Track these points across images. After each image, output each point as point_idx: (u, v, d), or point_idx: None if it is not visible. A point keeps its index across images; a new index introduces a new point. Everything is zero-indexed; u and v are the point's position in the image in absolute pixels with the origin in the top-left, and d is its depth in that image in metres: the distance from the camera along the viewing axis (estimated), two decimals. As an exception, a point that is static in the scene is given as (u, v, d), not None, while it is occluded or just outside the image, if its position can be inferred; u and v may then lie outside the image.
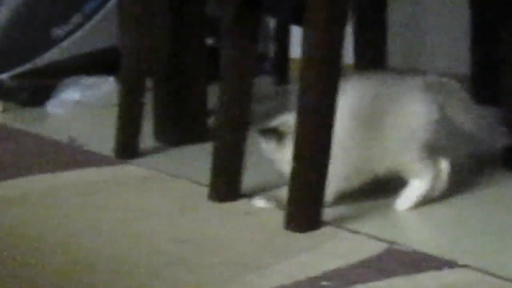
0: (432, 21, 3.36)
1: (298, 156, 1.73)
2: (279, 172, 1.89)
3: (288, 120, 1.86)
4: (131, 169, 2.29)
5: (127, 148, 2.42)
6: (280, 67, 3.56)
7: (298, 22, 1.80)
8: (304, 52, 1.72)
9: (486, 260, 1.55)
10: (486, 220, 1.84)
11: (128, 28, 2.48)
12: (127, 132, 2.43)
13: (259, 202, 1.92)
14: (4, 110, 3.13)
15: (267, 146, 1.90)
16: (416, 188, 1.87)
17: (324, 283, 1.47)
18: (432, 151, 1.88)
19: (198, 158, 2.28)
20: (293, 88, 2.66)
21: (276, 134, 1.89)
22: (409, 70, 2.11)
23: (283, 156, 1.86)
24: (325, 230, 1.74)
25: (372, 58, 2.53)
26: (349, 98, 1.82)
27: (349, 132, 1.82)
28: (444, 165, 1.90)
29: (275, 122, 1.92)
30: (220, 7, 3.05)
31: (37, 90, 3.24)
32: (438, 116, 1.87)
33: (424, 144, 1.87)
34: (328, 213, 1.78)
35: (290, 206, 1.75)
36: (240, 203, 1.95)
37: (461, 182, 2.02)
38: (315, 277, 1.50)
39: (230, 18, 1.95)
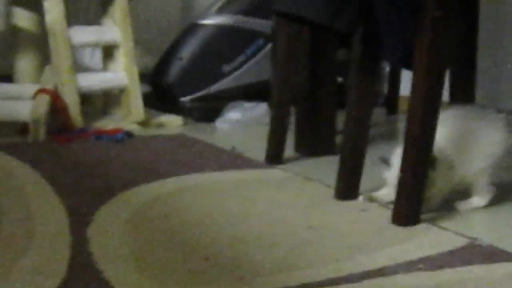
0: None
1: (404, 170, 1.72)
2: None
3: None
4: (276, 172, 2.30)
5: (274, 156, 2.44)
6: (391, 101, 3.53)
7: (408, 67, 1.78)
8: (412, 90, 1.72)
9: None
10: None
11: (278, 67, 2.50)
12: (275, 144, 2.45)
13: (362, 200, 1.92)
14: (185, 124, 3.18)
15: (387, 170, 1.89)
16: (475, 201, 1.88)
17: (420, 265, 1.46)
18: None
19: (327, 166, 2.27)
20: (401, 118, 2.64)
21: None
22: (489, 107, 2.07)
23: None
24: (421, 226, 1.72)
25: (464, 96, 2.49)
26: (446, 127, 1.81)
27: (444, 152, 1.80)
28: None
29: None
30: (348, 54, 3.06)
31: (209, 110, 3.29)
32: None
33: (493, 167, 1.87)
34: (423, 213, 1.76)
35: (396, 206, 1.75)
36: (357, 202, 1.94)
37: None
38: (412, 261, 1.49)
39: (356, 63, 1.95)
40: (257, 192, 2.06)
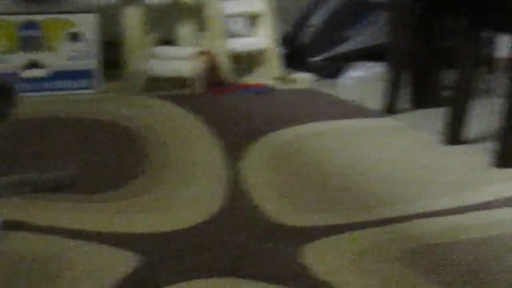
0: None
1: (507, 118, 1.67)
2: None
3: None
4: (391, 121, 2.28)
5: (389, 108, 2.40)
6: (489, 62, 3.39)
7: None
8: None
9: None
10: None
11: (393, 33, 2.45)
12: (390, 97, 2.41)
13: None
14: (314, 80, 3.17)
15: None
16: None
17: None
18: None
19: (434, 117, 2.23)
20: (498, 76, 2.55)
21: None
22: None
23: None
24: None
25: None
26: None
27: None
28: None
29: None
30: (455, 21, 2.96)
31: (334, 69, 3.26)
32: None
33: None
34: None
35: (497, 150, 1.70)
36: (461, 147, 1.90)
37: None
38: (510, 197, 1.45)
39: (463, 30, 1.89)
40: (376, 137, 2.05)
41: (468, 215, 1.35)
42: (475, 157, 1.79)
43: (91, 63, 2.78)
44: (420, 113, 2.42)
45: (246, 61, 3.34)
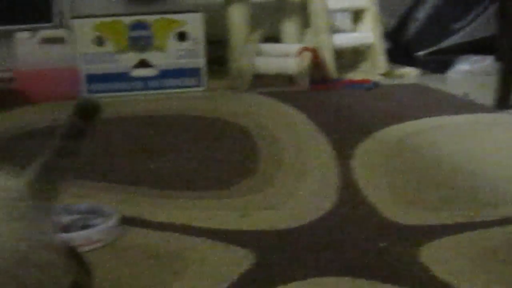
0: None
1: None
2: None
3: None
4: (505, 116, 2.20)
5: (502, 102, 2.32)
6: None
7: None
8: None
9: None
10: None
11: (503, 24, 2.36)
12: (503, 91, 2.33)
13: None
14: (421, 75, 3.11)
15: None
16: None
17: None
18: None
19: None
20: None
21: None
22: None
23: None
24: None
25: None
26: None
27: None
28: None
29: None
30: None
31: (441, 63, 3.19)
32: None
33: None
34: None
35: None
36: None
37: None
38: None
39: None
40: (488, 132, 1.99)
41: None
42: None
43: (198, 61, 2.83)
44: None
45: (351, 57, 3.31)
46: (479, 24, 3.30)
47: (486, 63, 3.06)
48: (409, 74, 3.11)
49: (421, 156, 1.74)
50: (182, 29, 2.81)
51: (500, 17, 3.07)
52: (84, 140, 0.78)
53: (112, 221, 1.27)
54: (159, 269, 1.11)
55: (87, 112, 0.77)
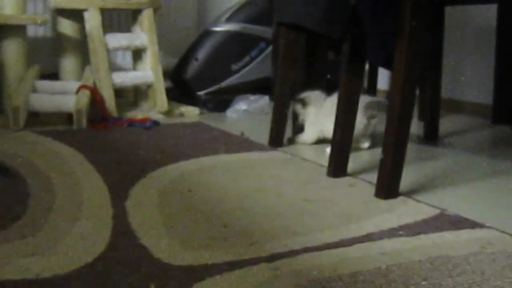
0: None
1: (386, 151, 1.72)
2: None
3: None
4: (278, 154, 2.30)
5: (276, 141, 2.44)
6: (371, 94, 3.52)
7: (389, 67, 1.78)
8: (392, 86, 1.72)
9: (506, 223, 1.51)
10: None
11: (279, 66, 2.49)
12: (276, 130, 2.45)
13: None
14: (201, 113, 3.17)
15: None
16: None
17: (400, 232, 1.46)
18: None
19: (320, 149, 2.27)
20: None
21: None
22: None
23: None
24: (400, 199, 1.73)
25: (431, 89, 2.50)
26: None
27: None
28: None
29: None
30: (336, 55, 3.05)
31: (221, 102, 3.28)
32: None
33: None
34: (402, 188, 1.76)
35: (378, 182, 1.75)
36: (346, 179, 1.94)
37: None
38: (393, 228, 1.49)
39: (346, 63, 1.94)
40: (263, 170, 2.06)
41: (353, 248, 1.36)
42: (359, 189, 1.83)
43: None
44: (307, 146, 2.47)
45: (132, 95, 3.30)
46: (256, 66, 3.45)
47: (262, 102, 3.20)
48: (190, 113, 3.16)
49: (197, 195, 1.75)
50: None
51: (273, 59, 3.25)
52: None
53: None
54: None
55: None
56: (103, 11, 3.02)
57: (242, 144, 2.45)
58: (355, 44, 1.90)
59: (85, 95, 2.79)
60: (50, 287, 1.17)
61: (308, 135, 2.49)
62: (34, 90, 2.84)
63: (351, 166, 2.00)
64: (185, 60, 3.45)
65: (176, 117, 3.08)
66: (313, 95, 2.50)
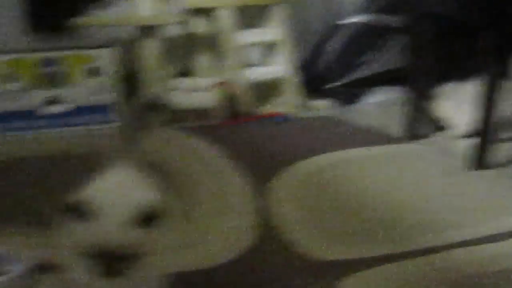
0: None
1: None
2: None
3: None
4: (414, 147, 2.26)
5: (412, 133, 2.39)
6: None
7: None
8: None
9: None
10: None
11: (414, 56, 2.43)
12: (412, 123, 2.40)
13: None
14: (332, 107, 3.15)
15: None
16: None
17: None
18: None
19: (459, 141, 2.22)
20: None
21: None
22: None
23: None
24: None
25: None
26: None
27: None
28: None
29: None
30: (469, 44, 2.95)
31: (352, 95, 3.25)
32: None
33: None
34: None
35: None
36: (489, 172, 1.87)
37: None
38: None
39: (489, 53, 1.87)
40: (401, 163, 2.03)
41: (509, 243, 1.32)
42: (503, 183, 1.76)
43: (111, 97, 2.78)
44: (443, 138, 2.40)
45: (265, 91, 3.33)
46: (388, 57, 3.39)
47: (395, 94, 3.14)
48: (321, 106, 3.15)
49: (337, 189, 1.75)
50: (93, 64, 2.75)
51: (408, 49, 3.18)
52: None
53: (20, 270, 1.20)
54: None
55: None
56: (236, 8, 3.07)
57: (377, 137, 2.42)
58: (501, 34, 1.82)
59: (221, 91, 2.85)
60: (197, 279, 1.21)
61: (447, 127, 2.41)
62: (173, 87, 2.93)
63: (494, 157, 1.93)
64: (315, 54, 3.45)
65: (308, 111, 3.08)
66: (451, 87, 2.42)
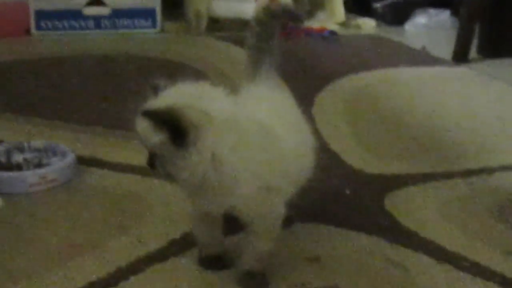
0: None
1: None
2: None
3: None
4: (463, 70, 2.20)
5: (461, 56, 2.33)
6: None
7: None
8: None
9: None
10: None
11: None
12: (462, 45, 2.33)
13: None
14: (378, 26, 3.08)
15: None
16: None
17: None
18: None
19: (508, 67, 2.16)
20: None
21: None
22: None
23: None
24: None
25: None
26: None
27: None
28: None
29: None
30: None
31: (398, 15, 3.17)
32: None
33: None
34: None
35: None
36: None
37: None
38: None
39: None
40: (448, 86, 1.99)
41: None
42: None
43: (153, 2, 2.74)
44: (493, 62, 2.34)
45: (309, 5, 3.26)
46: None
47: (443, 17, 3.05)
48: (367, 25, 3.08)
49: (380, 106, 1.73)
50: (138, -32, 2.71)
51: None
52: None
53: (67, 160, 1.22)
54: (117, 210, 1.07)
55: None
56: None
57: (423, 58, 2.36)
58: None
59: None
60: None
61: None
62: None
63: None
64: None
65: (353, 28, 3.02)
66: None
